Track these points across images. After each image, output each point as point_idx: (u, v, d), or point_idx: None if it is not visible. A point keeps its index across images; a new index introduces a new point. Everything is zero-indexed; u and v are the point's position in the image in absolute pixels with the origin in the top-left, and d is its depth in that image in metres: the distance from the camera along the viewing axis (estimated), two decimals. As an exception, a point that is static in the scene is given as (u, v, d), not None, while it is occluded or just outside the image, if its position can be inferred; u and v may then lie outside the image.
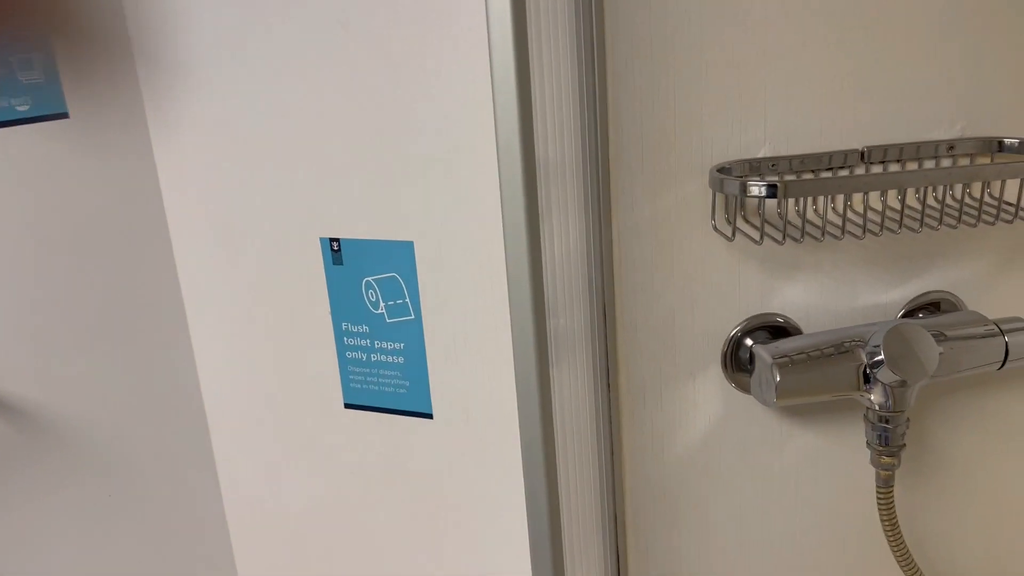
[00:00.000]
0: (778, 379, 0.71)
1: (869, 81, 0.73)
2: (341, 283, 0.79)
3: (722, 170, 0.71)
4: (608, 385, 0.75)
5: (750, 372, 0.78)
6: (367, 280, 0.78)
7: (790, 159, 0.73)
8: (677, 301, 0.76)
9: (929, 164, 0.75)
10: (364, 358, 0.80)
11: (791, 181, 0.65)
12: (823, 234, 0.68)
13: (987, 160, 0.76)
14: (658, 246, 0.74)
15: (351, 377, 0.81)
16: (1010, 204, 0.71)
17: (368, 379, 0.81)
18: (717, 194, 0.72)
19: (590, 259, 0.72)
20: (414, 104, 0.70)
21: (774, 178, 0.73)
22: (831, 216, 0.74)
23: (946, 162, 0.76)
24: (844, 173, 0.75)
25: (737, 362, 0.78)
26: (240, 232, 0.81)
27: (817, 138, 0.74)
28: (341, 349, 0.81)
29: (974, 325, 0.74)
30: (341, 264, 0.78)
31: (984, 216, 0.70)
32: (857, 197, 0.74)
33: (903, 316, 0.80)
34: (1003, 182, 0.72)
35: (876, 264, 0.78)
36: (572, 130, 0.69)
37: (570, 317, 0.72)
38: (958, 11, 0.73)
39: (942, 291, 0.80)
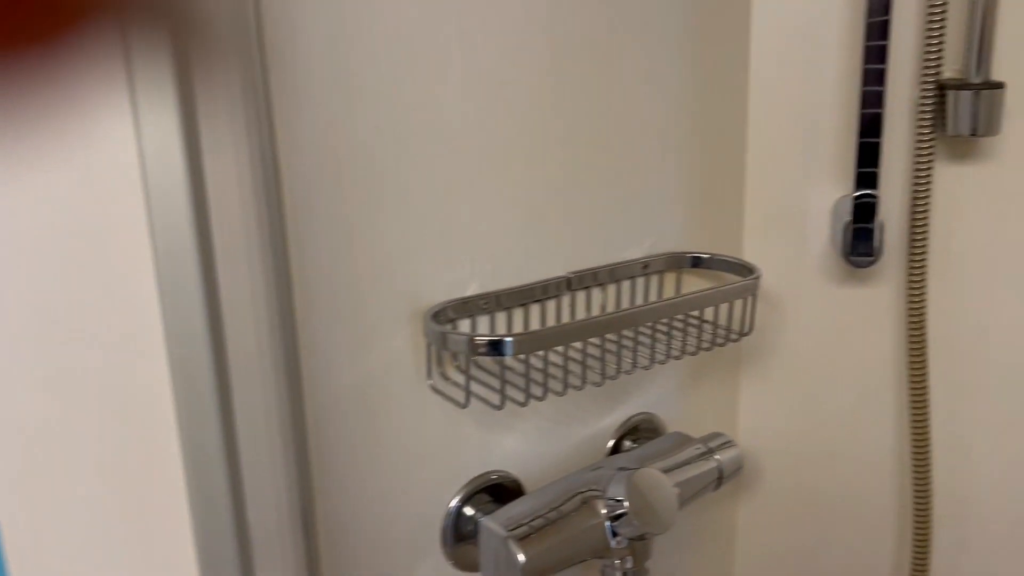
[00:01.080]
0: (522, 561, 0.59)
1: (566, 204, 0.66)
2: None
3: (437, 317, 0.58)
4: (314, 612, 0.57)
5: (472, 542, 0.65)
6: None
7: (500, 295, 0.63)
8: (388, 482, 0.60)
9: (627, 283, 0.71)
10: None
11: (523, 336, 0.54)
12: (565, 388, 0.58)
13: (675, 274, 0.74)
14: (364, 418, 0.58)
15: None
16: (724, 328, 0.69)
17: None
18: (432, 348, 0.59)
19: (286, 447, 0.53)
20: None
21: (494, 330, 0.63)
22: (555, 359, 0.64)
23: (641, 280, 0.72)
24: (552, 303, 0.67)
25: (458, 535, 0.65)
26: None
27: (523, 268, 0.64)
28: None
29: (686, 448, 0.71)
30: None
31: (710, 342, 0.67)
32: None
33: (612, 445, 0.74)
34: (730, 305, 0.69)
35: (587, 397, 0.71)
36: (250, 278, 0.50)
37: (261, 530, 0.53)
38: (641, 128, 0.69)
39: (643, 412, 0.76)
